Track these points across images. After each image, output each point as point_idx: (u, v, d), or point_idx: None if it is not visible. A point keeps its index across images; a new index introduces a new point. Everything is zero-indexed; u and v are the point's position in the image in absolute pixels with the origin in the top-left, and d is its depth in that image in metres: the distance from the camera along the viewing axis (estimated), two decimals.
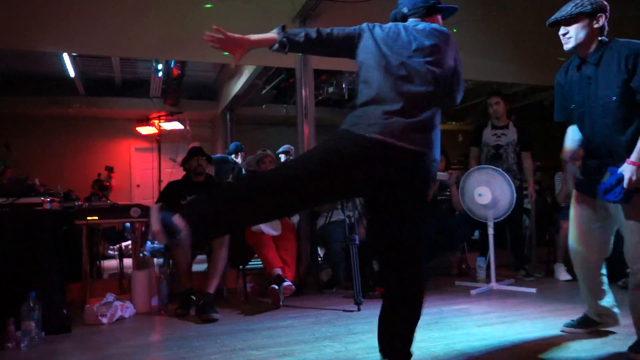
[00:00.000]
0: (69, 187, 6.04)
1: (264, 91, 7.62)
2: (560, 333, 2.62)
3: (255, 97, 8.09)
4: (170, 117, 7.45)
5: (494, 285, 4.00)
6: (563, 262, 4.40)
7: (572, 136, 2.48)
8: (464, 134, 9.46)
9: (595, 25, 2.21)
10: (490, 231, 4.08)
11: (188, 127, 7.97)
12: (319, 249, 4.55)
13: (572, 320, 2.64)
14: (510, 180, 4.07)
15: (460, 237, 4.48)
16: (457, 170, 4.83)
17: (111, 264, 5.02)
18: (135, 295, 3.56)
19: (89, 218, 3.63)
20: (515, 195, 4.03)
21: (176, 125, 7.90)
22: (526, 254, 4.80)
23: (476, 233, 5.11)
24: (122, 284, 3.96)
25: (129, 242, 6.07)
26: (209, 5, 4.45)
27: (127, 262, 4.50)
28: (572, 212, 2.48)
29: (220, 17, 4.45)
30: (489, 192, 4.08)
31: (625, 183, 2.11)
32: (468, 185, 4.20)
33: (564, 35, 2.26)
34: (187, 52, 4.58)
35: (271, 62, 5.04)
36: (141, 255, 4.38)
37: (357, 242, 3.51)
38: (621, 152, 2.16)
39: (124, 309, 3.35)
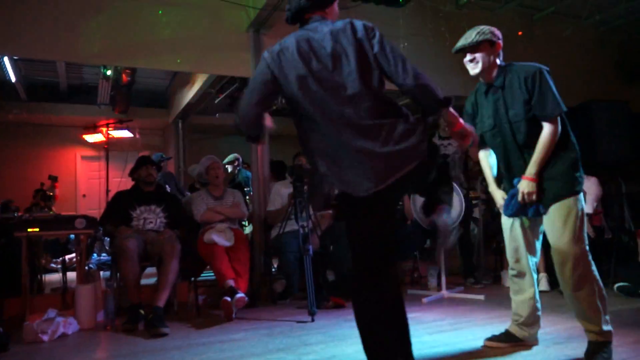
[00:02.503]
0: (9, 197, 5.72)
1: (217, 100, 7.52)
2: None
3: (208, 106, 7.97)
4: (119, 124, 7.20)
5: (444, 292, 4.10)
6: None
7: (489, 162, 2.63)
8: None
9: (496, 52, 2.42)
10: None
11: (138, 136, 7.75)
12: (272, 259, 4.51)
13: (494, 335, 2.61)
14: (459, 190, 4.20)
15: (412, 246, 4.57)
16: None
17: (54, 277, 4.78)
18: (79, 310, 3.40)
19: (29, 230, 3.46)
20: (464, 205, 4.16)
21: (125, 133, 7.66)
22: (474, 261, 4.95)
23: (427, 241, 5.23)
24: (65, 299, 3.78)
25: (74, 254, 5.81)
26: (161, 11, 4.36)
27: (72, 275, 4.30)
28: (506, 226, 2.55)
29: (172, 24, 4.37)
30: None
31: (519, 197, 2.31)
32: (419, 195, 4.29)
33: (470, 61, 2.42)
34: (137, 59, 4.46)
35: (225, 71, 4.99)
36: (86, 268, 4.19)
37: (311, 252, 3.51)
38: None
39: (67, 325, 3.19)
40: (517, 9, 5.73)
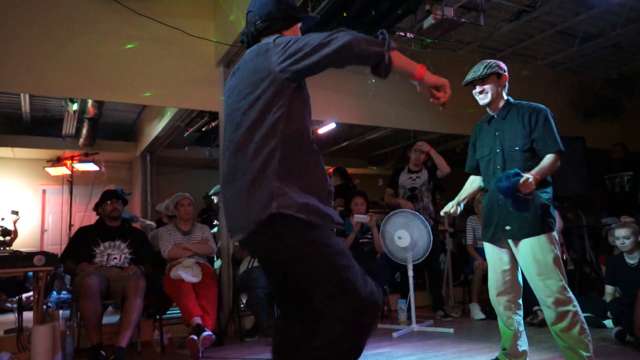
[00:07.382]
0: None
1: (186, 133, 7.49)
2: None
3: (177, 139, 7.92)
4: (84, 157, 7.08)
5: (414, 326, 4.09)
6: (477, 302, 4.63)
7: (470, 184, 2.77)
8: (384, 178, 9.83)
9: (503, 84, 2.57)
10: (410, 273, 4.21)
11: (103, 169, 7.60)
12: (241, 295, 4.42)
13: None
14: (427, 223, 4.27)
15: (382, 280, 4.56)
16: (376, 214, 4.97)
17: (9, 318, 4.54)
18: (35, 353, 3.22)
19: None
20: (432, 238, 4.21)
21: (91, 167, 7.51)
22: (443, 294, 4.98)
23: (397, 275, 5.24)
24: (20, 341, 3.58)
25: (31, 293, 5.54)
26: (130, 45, 4.37)
27: (28, 315, 4.09)
28: (488, 258, 2.66)
29: (142, 58, 4.37)
30: (407, 235, 4.23)
31: (521, 180, 2.22)
32: (388, 229, 4.34)
33: (480, 92, 2.56)
34: (106, 92, 4.42)
35: (194, 105, 4.99)
36: (44, 307, 4.01)
37: None
38: None
39: None
40: (478, 50, 5.98)
